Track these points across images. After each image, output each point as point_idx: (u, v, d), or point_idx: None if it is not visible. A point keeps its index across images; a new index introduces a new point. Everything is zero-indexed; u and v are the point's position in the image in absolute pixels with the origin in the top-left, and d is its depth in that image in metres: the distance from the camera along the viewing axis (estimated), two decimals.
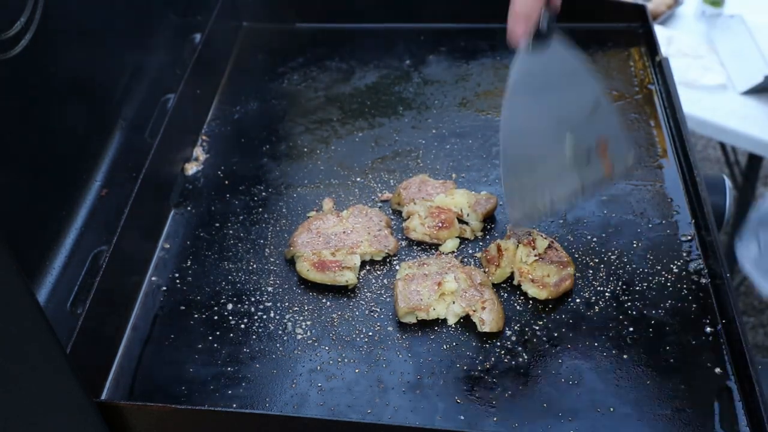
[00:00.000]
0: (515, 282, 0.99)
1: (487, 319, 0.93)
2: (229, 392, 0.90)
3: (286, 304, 0.99)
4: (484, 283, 0.97)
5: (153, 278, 1.03)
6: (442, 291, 0.96)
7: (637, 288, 0.99)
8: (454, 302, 0.95)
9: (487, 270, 1.00)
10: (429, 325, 0.96)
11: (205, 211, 1.13)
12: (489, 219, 1.08)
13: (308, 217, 1.10)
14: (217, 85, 1.35)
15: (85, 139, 1.14)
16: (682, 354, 0.91)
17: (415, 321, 0.96)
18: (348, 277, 0.99)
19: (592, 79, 0.93)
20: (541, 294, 0.97)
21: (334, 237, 1.04)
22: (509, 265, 1.00)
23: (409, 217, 1.07)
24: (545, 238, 1.01)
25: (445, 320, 0.96)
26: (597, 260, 1.02)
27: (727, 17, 2.47)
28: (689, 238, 1.04)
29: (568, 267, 0.99)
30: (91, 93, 1.15)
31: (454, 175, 1.16)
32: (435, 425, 0.85)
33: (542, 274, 0.98)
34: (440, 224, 1.04)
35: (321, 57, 1.41)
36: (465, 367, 0.91)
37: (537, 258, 0.99)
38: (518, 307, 0.97)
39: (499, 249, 1.00)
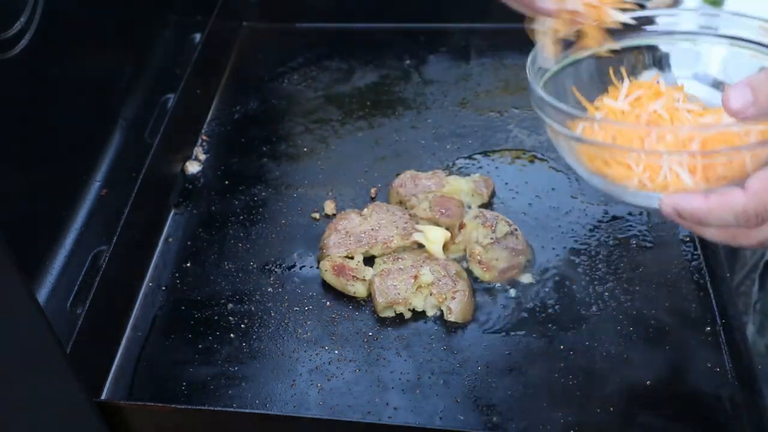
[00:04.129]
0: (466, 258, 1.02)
1: (455, 309, 0.95)
2: (229, 392, 0.90)
3: (287, 303, 1.00)
4: (459, 274, 0.99)
5: (153, 278, 1.03)
6: (419, 284, 0.97)
7: (637, 288, 0.99)
8: (431, 294, 0.96)
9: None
10: (429, 325, 0.96)
11: (205, 211, 1.13)
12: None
13: (312, 218, 1.10)
14: (217, 85, 1.35)
15: (85, 139, 1.14)
16: (682, 354, 0.91)
17: (393, 315, 0.96)
18: (357, 289, 0.99)
19: None
20: (485, 276, 0.99)
21: (364, 235, 1.04)
22: (464, 242, 1.02)
23: (413, 208, 1.07)
24: (509, 225, 1.03)
25: (443, 319, 0.96)
26: (596, 260, 1.02)
27: None
28: (689, 238, 1.04)
29: (520, 256, 1.00)
30: (91, 93, 1.15)
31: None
32: (435, 425, 0.86)
33: (492, 258, 1.00)
34: (442, 211, 1.05)
35: (321, 57, 1.41)
36: (465, 367, 0.91)
37: (493, 241, 1.01)
38: (518, 308, 0.97)
39: (461, 226, 1.03)
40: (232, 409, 0.87)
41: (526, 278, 1.00)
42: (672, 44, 0.91)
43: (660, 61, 1.26)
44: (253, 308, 0.99)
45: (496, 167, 1.16)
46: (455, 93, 1.31)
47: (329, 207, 1.11)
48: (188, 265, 1.05)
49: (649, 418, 0.85)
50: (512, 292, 0.99)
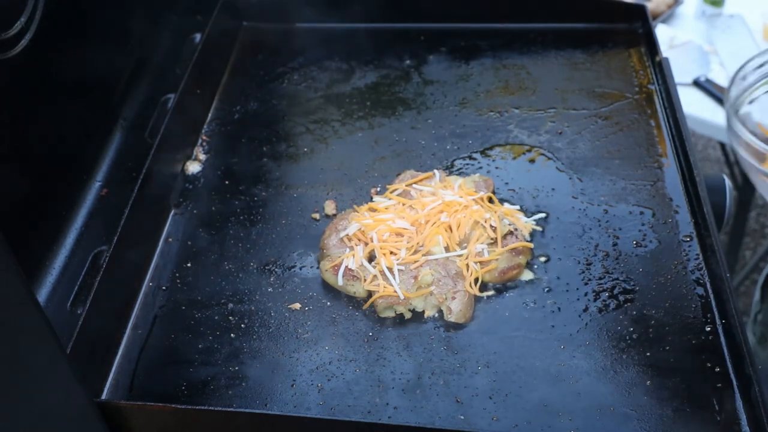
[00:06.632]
0: (465, 256, 1.01)
1: (455, 309, 0.95)
2: (229, 392, 0.90)
3: (287, 303, 1.00)
4: (459, 274, 0.98)
5: (153, 278, 1.03)
6: (419, 284, 0.96)
7: (637, 288, 0.99)
8: (431, 294, 0.96)
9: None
10: (429, 325, 0.96)
11: (205, 211, 1.13)
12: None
13: (313, 218, 1.10)
14: (217, 85, 1.35)
15: (85, 139, 1.14)
16: (682, 354, 0.91)
17: (393, 315, 0.96)
18: (357, 289, 0.99)
19: None
20: (484, 276, 0.99)
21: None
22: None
23: None
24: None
25: (443, 319, 0.96)
26: (596, 260, 1.02)
27: (727, 17, 2.47)
28: (689, 238, 1.04)
29: (520, 256, 1.00)
30: (91, 93, 1.15)
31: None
32: (435, 425, 0.86)
33: (492, 258, 1.00)
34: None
35: (321, 57, 1.41)
36: (465, 367, 0.91)
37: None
38: (518, 308, 0.97)
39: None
40: (232, 409, 0.87)
41: (527, 278, 1.00)
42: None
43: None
44: (253, 308, 0.99)
45: (497, 167, 1.17)
46: (455, 93, 1.31)
47: (329, 207, 1.12)
48: (188, 265, 1.05)
49: (649, 418, 0.85)
50: (512, 293, 0.99)
